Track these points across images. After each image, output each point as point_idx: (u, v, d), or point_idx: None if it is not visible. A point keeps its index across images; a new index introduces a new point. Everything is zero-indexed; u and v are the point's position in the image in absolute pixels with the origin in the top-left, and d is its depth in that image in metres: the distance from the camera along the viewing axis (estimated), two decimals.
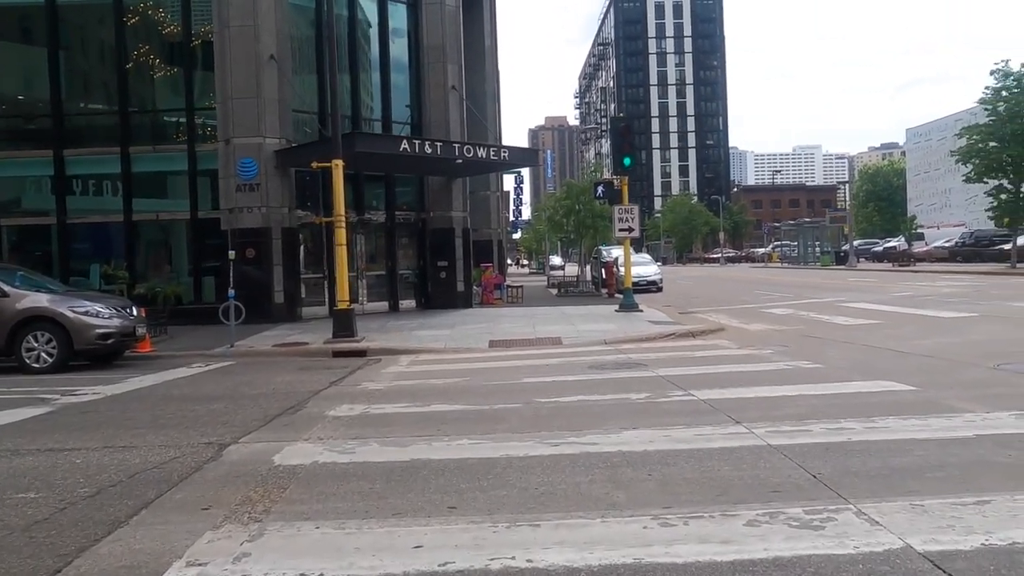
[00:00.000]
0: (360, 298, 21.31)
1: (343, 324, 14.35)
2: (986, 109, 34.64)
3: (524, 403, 8.02)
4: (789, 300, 22.40)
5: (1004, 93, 33.52)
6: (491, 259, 33.36)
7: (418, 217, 23.27)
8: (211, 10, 19.79)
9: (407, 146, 18.36)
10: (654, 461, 5.44)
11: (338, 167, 14.46)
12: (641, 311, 19.59)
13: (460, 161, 19.70)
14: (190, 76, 20.58)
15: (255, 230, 18.94)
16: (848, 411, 6.80)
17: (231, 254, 14.77)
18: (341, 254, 14.49)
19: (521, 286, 26.97)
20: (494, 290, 24.89)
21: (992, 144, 33.71)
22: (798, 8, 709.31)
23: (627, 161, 20.31)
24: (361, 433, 6.87)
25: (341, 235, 14.49)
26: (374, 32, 23.01)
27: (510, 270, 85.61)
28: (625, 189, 20.73)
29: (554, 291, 30.85)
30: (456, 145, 19.78)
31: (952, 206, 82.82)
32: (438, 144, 19.19)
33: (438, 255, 22.94)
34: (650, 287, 30.21)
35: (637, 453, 5.67)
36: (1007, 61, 33.95)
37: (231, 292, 14.05)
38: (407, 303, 22.67)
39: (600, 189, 22.02)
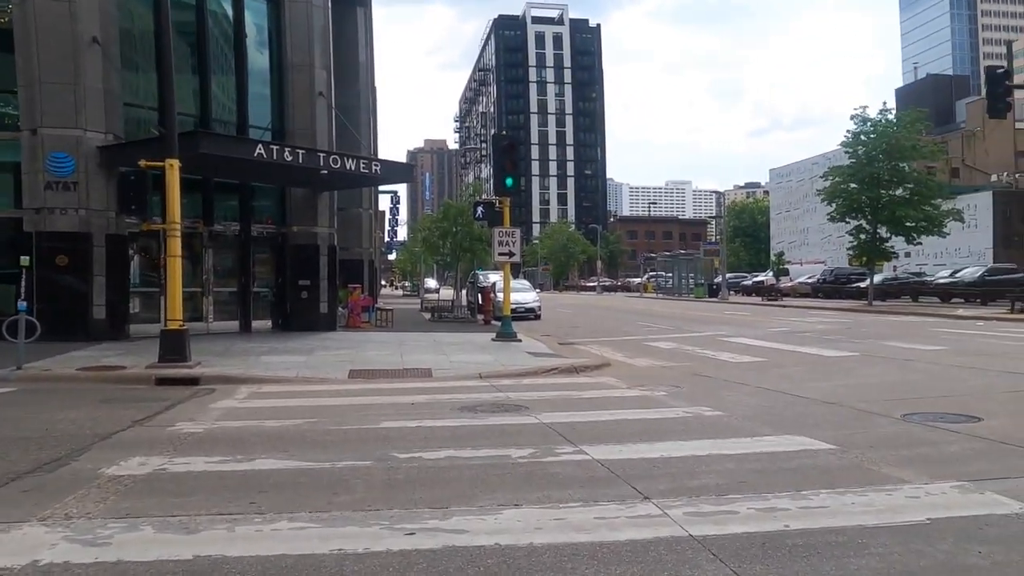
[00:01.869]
0: (206, 316, 19.01)
1: (172, 346, 12.21)
2: (847, 152, 35.80)
3: (377, 460, 6.38)
4: (671, 333, 21.68)
5: (863, 137, 34.68)
6: (361, 279, 31.41)
7: (279, 231, 21.14)
8: None
9: (263, 151, 16.37)
10: (546, 565, 3.93)
11: (172, 168, 12.36)
12: (520, 341, 18.29)
13: (325, 172, 17.87)
14: None
15: (71, 235, 16.34)
16: (772, 480, 5.57)
17: (24, 260, 12.32)
18: (174, 266, 12.36)
19: (391, 309, 25.17)
20: (362, 313, 22.99)
21: (852, 185, 34.78)
22: (665, 57, 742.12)
23: (509, 181, 19.09)
24: (137, 507, 4.98)
25: (175, 245, 12.37)
26: (229, 28, 20.80)
27: (384, 292, 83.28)
28: (507, 211, 19.48)
29: (427, 315, 29.19)
30: (321, 154, 17.94)
31: (810, 244, 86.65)
32: (300, 151, 17.30)
33: (300, 273, 20.89)
34: (528, 315, 29.17)
35: (521, 550, 4.15)
36: (865, 107, 35.27)
37: (21, 304, 11.64)
38: (262, 323, 20.46)
39: (480, 210, 20.68)
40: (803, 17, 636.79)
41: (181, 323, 12.39)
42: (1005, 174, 60.93)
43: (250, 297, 20.18)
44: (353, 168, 18.58)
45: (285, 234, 21.08)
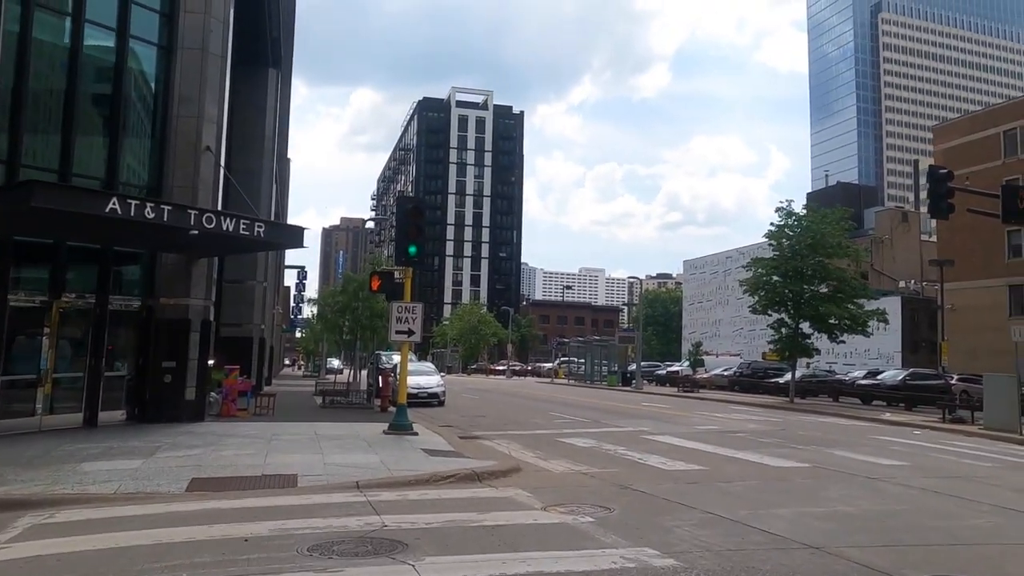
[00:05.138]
0: (37, 410, 15.65)
1: None
2: (770, 244, 35.24)
3: None
4: (588, 427, 19.47)
5: (788, 231, 34.18)
6: (248, 359, 28.25)
7: (145, 304, 18.13)
8: None
9: (117, 205, 13.60)
10: None
11: None
12: (416, 434, 15.83)
13: (196, 232, 15.16)
14: None
15: None
16: None
17: None
18: None
19: (273, 394, 22.16)
20: (238, 398, 19.96)
21: (776, 278, 34.04)
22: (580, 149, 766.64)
23: (413, 249, 16.85)
24: None
25: None
26: (104, 72, 18.09)
27: (285, 371, 78.86)
28: (409, 283, 17.17)
29: (319, 400, 26.18)
30: (192, 212, 15.26)
31: (721, 336, 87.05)
32: (166, 208, 14.59)
33: (166, 353, 17.81)
34: (431, 400, 26.61)
35: None
36: (791, 201, 34.93)
37: None
38: (113, 415, 17.15)
39: (378, 281, 18.18)
40: (718, 124, 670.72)
41: None
42: (912, 281, 62.44)
43: (100, 384, 16.90)
44: (231, 229, 15.90)
45: (151, 307, 18.07)
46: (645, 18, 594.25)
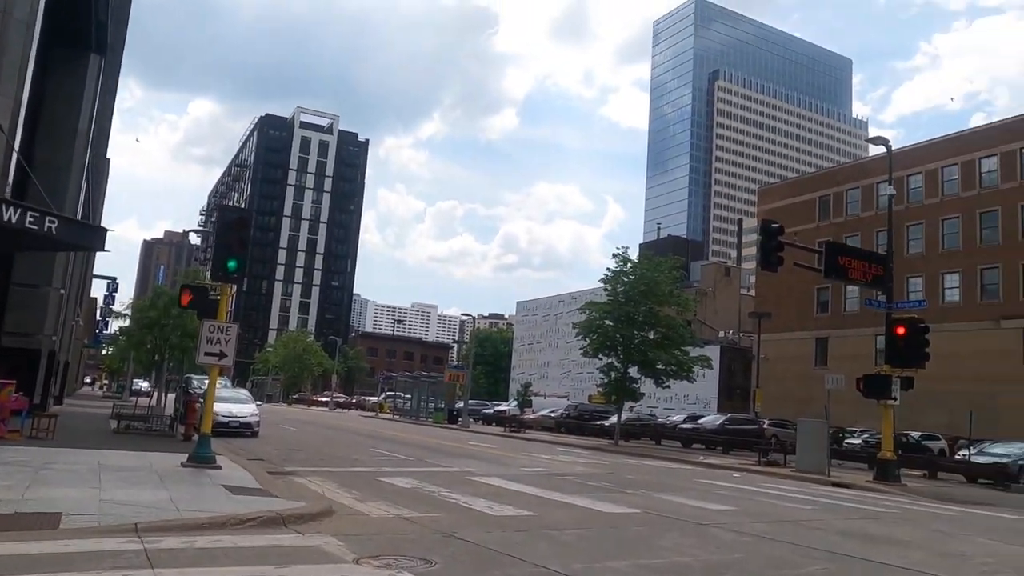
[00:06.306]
0: None
1: None
2: (605, 289, 35.87)
3: None
4: (411, 466, 18.35)
5: (623, 277, 34.93)
6: (35, 374, 24.98)
7: None
8: None
9: None
10: None
11: None
12: (219, 468, 14.14)
13: None
14: None
15: None
16: None
17: None
18: None
19: (55, 415, 19.46)
20: (9, 418, 17.25)
21: (608, 322, 34.59)
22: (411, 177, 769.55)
23: (232, 264, 15.21)
24: None
25: None
26: None
27: (84, 390, 71.98)
28: (225, 301, 15.55)
29: (114, 424, 23.42)
30: None
31: (549, 378, 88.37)
32: None
33: None
34: (244, 430, 24.66)
35: None
36: (627, 248, 35.87)
37: None
38: None
39: (189, 296, 16.35)
40: (559, 171, 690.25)
41: None
42: (731, 331, 66.09)
43: None
44: (15, 220, 13.76)
45: None
46: (499, 62, 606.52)
